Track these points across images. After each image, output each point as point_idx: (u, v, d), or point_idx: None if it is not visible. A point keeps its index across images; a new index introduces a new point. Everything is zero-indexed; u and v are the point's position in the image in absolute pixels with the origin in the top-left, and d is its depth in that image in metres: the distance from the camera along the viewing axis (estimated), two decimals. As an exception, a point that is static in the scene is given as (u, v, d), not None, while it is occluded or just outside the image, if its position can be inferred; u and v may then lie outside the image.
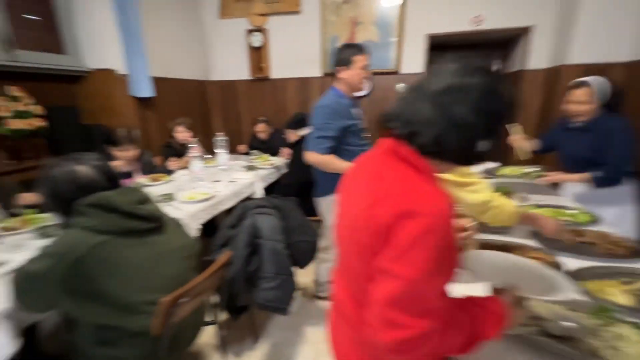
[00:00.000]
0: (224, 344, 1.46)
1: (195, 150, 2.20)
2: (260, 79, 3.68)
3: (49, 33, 2.50)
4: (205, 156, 2.42)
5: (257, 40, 3.48)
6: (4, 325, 0.93)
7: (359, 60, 1.61)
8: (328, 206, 1.72)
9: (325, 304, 2.04)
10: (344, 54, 1.63)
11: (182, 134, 2.71)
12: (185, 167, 2.45)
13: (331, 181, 1.43)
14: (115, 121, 2.77)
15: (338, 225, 0.74)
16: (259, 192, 2.38)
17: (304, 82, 3.58)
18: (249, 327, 1.78)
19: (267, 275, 1.47)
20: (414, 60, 3.23)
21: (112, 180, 1.01)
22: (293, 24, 3.42)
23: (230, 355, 1.64)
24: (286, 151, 2.89)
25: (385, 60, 3.23)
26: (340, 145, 1.64)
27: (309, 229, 1.63)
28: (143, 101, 2.95)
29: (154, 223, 1.02)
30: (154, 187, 2.09)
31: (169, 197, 1.87)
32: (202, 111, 3.80)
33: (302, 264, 1.63)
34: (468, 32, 3.06)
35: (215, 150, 2.45)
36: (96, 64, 2.70)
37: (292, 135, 2.61)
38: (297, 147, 2.50)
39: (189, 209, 1.72)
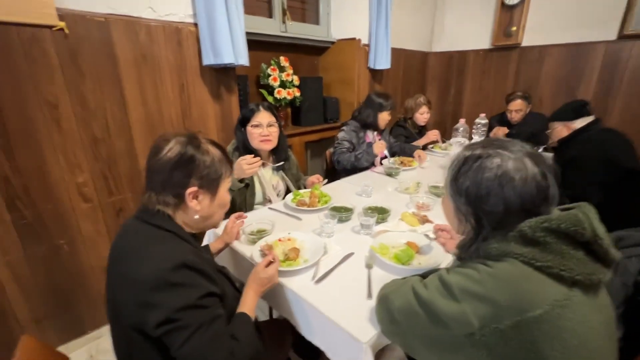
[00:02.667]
0: None
1: (460, 132, 1.75)
2: (505, 47, 2.88)
3: (308, 3, 2.53)
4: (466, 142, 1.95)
5: (515, -6, 2.68)
6: (370, 355, 0.71)
7: None
8: None
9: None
10: None
11: (424, 115, 2.30)
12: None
13: None
14: (347, 94, 2.66)
15: None
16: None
17: (576, 50, 2.56)
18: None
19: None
20: None
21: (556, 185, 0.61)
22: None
23: None
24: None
25: None
26: None
27: None
28: (374, 74, 2.74)
29: (606, 272, 0.58)
30: (405, 173, 1.80)
31: (436, 190, 1.51)
32: (418, 87, 3.38)
33: None
34: None
35: (473, 136, 1.93)
36: (341, 34, 2.61)
37: (564, 130, 1.72)
38: (567, 148, 1.65)
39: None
